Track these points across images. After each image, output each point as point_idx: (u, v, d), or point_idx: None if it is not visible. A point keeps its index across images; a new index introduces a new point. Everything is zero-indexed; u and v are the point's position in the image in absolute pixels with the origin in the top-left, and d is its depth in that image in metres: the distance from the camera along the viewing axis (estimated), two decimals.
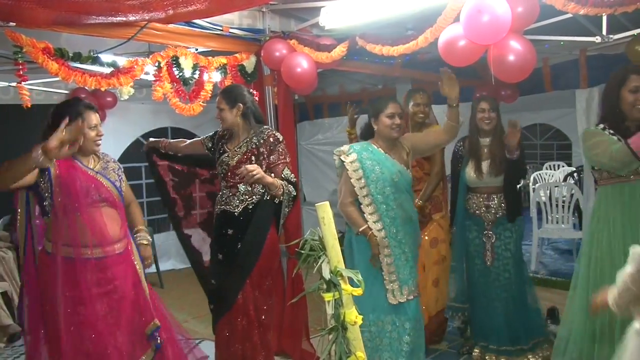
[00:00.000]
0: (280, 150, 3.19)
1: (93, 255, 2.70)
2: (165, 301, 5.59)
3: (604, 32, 3.76)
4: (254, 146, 3.18)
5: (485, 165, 3.66)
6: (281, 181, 3.12)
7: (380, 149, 3.21)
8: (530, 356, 3.64)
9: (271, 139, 3.19)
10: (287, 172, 3.18)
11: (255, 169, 2.96)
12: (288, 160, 3.22)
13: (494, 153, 3.63)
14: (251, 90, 3.49)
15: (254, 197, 3.16)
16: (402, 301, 3.12)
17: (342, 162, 3.17)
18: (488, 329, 3.71)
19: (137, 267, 2.97)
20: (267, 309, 3.24)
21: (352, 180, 3.14)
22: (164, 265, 6.85)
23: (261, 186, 3.13)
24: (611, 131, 2.76)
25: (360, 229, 3.11)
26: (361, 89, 7.02)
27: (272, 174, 3.12)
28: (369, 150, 3.19)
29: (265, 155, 3.16)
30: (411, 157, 3.31)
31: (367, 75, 6.31)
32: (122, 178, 2.98)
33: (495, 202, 3.66)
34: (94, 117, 2.79)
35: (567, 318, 3.00)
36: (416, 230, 3.29)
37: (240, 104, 3.20)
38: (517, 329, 3.64)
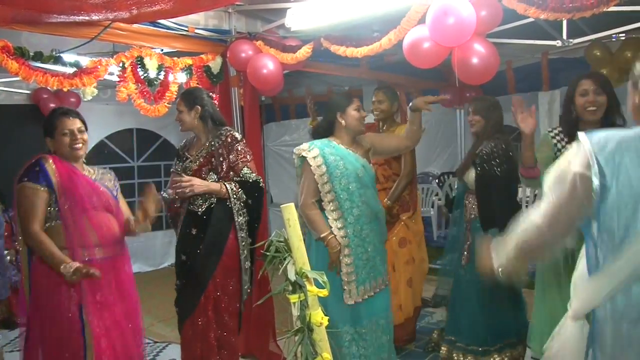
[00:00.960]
0: (239, 149, 3.15)
1: (106, 255, 2.74)
2: None
3: (564, 36, 3.85)
4: (213, 149, 3.16)
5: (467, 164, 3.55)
6: (230, 187, 3.09)
7: (341, 144, 3.14)
8: (496, 356, 3.64)
9: (229, 139, 3.17)
10: (245, 170, 3.13)
11: (188, 185, 2.96)
12: (249, 158, 3.18)
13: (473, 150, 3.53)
14: (210, 93, 3.46)
15: (214, 198, 3.15)
16: (358, 301, 3.08)
17: (303, 160, 3.06)
18: (459, 326, 3.70)
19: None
20: (232, 310, 3.21)
21: (315, 177, 3.02)
22: None
23: None
24: (560, 136, 2.92)
25: (322, 235, 3.00)
26: (328, 90, 7.04)
27: (233, 174, 3.13)
28: (331, 146, 3.10)
29: (224, 156, 3.15)
30: (371, 156, 3.27)
31: (334, 77, 6.31)
32: (117, 188, 2.99)
33: (470, 201, 3.56)
34: (68, 123, 2.71)
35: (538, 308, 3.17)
36: (382, 227, 3.26)
37: (198, 107, 3.19)
38: (486, 330, 3.63)
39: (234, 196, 3.10)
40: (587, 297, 1.56)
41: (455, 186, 4.11)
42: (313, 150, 3.05)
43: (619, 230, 1.47)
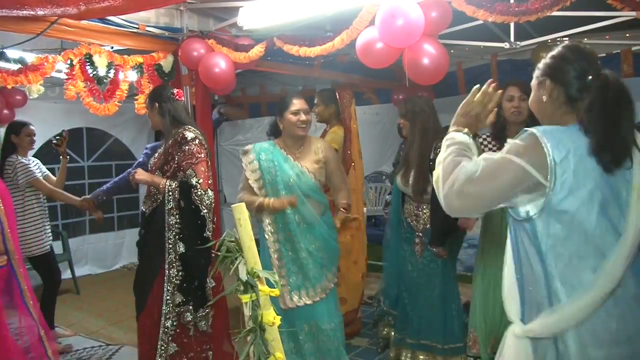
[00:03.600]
0: (186, 149, 3.08)
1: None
2: (82, 307, 5.48)
3: (512, 38, 3.96)
4: (167, 147, 3.13)
5: (412, 173, 3.50)
6: (168, 183, 3.06)
7: (283, 149, 3.18)
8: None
9: (179, 138, 3.12)
10: (189, 172, 3.05)
11: (133, 176, 3.07)
12: (194, 160, 3.07)
13: (418, 162, 3.47)
14: (172, 90, 3.41)
15: (160, 197, 3.12)
16: (291, 306, 3.11)
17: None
18: (411, 323, 3.73)
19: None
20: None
21: (249, 181, 3.15)
22: (80, 271, 6.58)
23: None
24: (488, 139, 3.16)
25: (257, 204, 3.06)
26: (281, 89, 7.04)
27: (182, 175, 3.08)
28: (269, 151, 3.16)
29: (173, 156, 3.11)
30: (323, 167, 3.21)
31: (288, 76, 6.33)
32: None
33: (426, 212, 3.53)
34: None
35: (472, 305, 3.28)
36: (323, 235, 3.18)
37: (156, 103, 3.16)
38: (436, 325, 3.67)
39: (169, 194, 3.05)
40: (557, 321, 1.56)
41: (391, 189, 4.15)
42: (250, 155, 3.16)
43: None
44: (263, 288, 1.90)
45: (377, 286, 5.38)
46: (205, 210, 3.03)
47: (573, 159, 1.52)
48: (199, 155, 3.09)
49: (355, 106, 4.36)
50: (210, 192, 3.06)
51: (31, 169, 4.31)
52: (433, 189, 3.28)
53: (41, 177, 4.39)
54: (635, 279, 1.56)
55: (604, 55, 4.88)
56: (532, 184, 1.54)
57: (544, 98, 1.68)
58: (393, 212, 3.88)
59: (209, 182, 3.10)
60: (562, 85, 1.64)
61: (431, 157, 3.33)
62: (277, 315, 1.91)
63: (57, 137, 4.37)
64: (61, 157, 4.49)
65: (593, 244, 1.53)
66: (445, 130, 3.38)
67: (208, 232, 3.10)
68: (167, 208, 3.06)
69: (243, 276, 1.90)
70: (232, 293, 1.96)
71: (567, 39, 4.20)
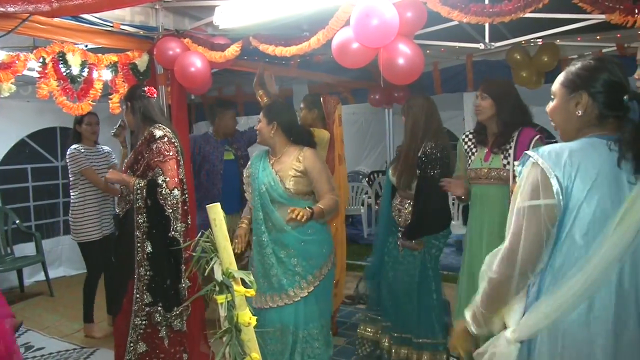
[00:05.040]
0: (154, 148, 3.08)
1: None
2: (57, 310, 5.41)
3: (487, 39, 4.01)
4: (137, 146, 3.11)
5: (399, 167, 3.62)
6: (137, 181, 3.05)
7: (269, 156, 3.30)
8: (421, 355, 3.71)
9: (148, 137, 3.12)
10: (157, 170, 3.06)
11: (108, 175, 3.11)
12: (162, 159, 3.07)
13: (404, 157, 3.56)
14: (144, 87, 3.38)
15: (131, 198, 3.11)
16: (257, 306, 3.17)
17: None
18: (394, 318, 3.75)
19: None
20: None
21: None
22: (54, 272, 6.51)
23: None
24: (469, 137, 3.30)
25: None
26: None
27: (151, 173, 3.08)
28: (258, 158, 3.33)
29: (142, 154, 3.10)
30: (302, 176, 3.20)
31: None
32: None
33: (407, 208, 3.61)
34: None
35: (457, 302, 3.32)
36: (297, 243, 3.19)
37: (128, 102, 3.15)
38: (412, 319, 3.69)
39: (137, 192, 3.04)
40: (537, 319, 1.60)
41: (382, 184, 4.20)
42: (249, 164, 3.38)
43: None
44: (238, 288, 1.89)
45: (354, 285, 5.41)
46: (170, 210, 3.02)
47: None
48: (167, 154, 3.08)
49: (341, 112, 4.39)
50: (175, 192, 3.04)
51: (80, 158, 4.50)
52: (417, 184, 3.40)
53: (90, 168, 4.52)
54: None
55: (576, 56, 4.96)
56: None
57: (579, 112, 1.67)
58: (383, 203, 3.95)
59: (177, 180, 3.08)
60: (596, 101, 1.65)
61: (419, 155, 3.44)
62: (253, 315, 1.91)
63: (116, 128, 4.38)
64: (121, 147, 4.52)
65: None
66: (438, 131, 3.52)
67: (174, 232, 3.07)
68: (135, 207, 3.06)
69: (218, 277, 1.90)
70: (207, 294, 1.95)
71: (540, 40, 4.27)
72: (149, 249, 3.06)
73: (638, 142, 1.55)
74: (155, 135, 3.08)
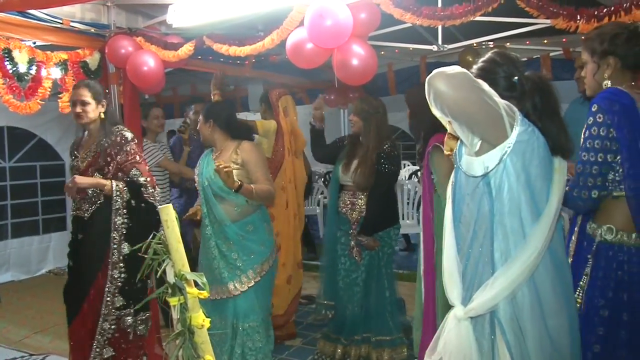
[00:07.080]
0: (129, 149, 3.06)
1: None
2: (4, 316, 5.24)
3: (440, 42, 4.09)
4: (102, 148, 3.05)
5: (354, 163, 3.69)
6: (116, 184, 3.00)
7: (214, 152, 3.35)
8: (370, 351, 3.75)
9: (118, 139, 3.07)
10: (134, 172, 3.05)
11: (72, 186, 2.95)
12: (138, 159, 3.09)
13: (369, 158, 3.62)
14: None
15: (101, 199, 3.04)
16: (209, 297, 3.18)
17: None
18: (344, 322, 3.79)
19: None
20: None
21: None
22: (2, 277, 6.30)
23: None
24: None
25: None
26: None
27: (122, 175, 3.04)
28: (207, 156, 3.37)
29: (112, 156, 3.05)
30: (240, 168, 3.22)
31: None
32: None
33: (361, 201, 3.68)
34: None
35: (417, 300, 3.27)
36: (237, 237, 3.22)
37: (104, 101, 3.11)
38: (370, 318, 3.74)
39: (117, 194, 2.99)
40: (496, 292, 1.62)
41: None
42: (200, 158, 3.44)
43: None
44: (191, 290, 1.88)
45: (311, 285, 5.43)
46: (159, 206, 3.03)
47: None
48: (141, 155, 3.14)
49: (288, 103, 4.38)
50: (158, 189, 3.15)
51: (153, 152, 4.41)
52: (376, 180, 3.47)
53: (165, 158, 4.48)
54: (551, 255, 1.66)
55: (525, 59, 5.10)
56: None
57: None
58: (330, 203, 3.98)
59: (151, 180, 3.14)
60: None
61: (379, 153, 3.60)
62: (207, 317, 1.90)
63: (182, 125, 4.33)
64: (184, 145, 4.58)
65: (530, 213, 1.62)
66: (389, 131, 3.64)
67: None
68: (114, 208, 3.00)
69: (170, 279, 1.88)
70: (159, 296, 1.93)
71: (491, 43, 4.38)
72: (126, 250, 3.02)
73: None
74: (127, 138, 3.08)
